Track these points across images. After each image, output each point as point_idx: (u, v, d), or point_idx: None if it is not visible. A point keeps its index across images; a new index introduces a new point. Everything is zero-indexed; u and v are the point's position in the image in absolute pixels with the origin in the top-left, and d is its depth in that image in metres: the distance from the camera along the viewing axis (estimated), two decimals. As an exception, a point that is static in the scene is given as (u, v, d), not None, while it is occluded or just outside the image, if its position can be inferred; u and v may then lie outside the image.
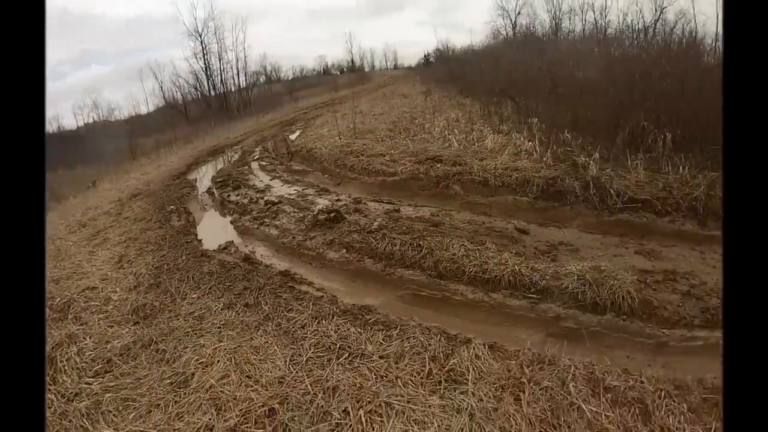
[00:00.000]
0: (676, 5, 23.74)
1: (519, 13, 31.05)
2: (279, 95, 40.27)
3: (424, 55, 44.57)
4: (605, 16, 27.27)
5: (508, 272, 4.77)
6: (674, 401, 3.32)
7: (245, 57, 39.03)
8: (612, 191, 7.03)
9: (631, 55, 12.88)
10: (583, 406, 3.09)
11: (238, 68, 38.90)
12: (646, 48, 15.46)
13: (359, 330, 3.87)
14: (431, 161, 8.12)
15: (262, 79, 43.41)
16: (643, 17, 24.86)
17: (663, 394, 3.36)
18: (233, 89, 39.52)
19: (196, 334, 3.99)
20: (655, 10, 24.97)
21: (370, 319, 4.07)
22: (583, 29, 26.59)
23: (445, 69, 23.70)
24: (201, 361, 3.55)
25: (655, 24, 23.95)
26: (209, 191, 9.75)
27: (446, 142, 9.37)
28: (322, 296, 4.66)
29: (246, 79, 40.00)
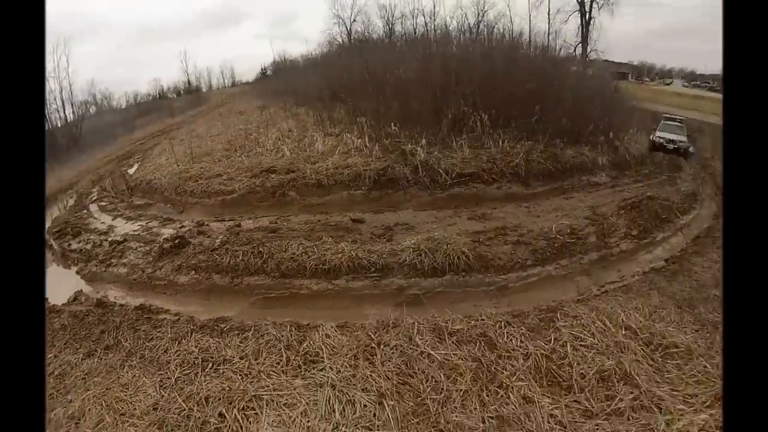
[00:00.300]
0: (495, 8, 27.28)
1: (354, 20, 32.33)
2: (113, 126, 36.34)
3: (261, 69, 43.73)
4: (434, 19, 29.69)
5: (346, 258, 5.26)
6: (513, 327, 4.14)
7: (70, 85, 34.20)
8: (441, 171, 7.96)
9: (449, 52, 14.35)
10: (432, 352, 3.68)
11: (62, 99, 33.96)
12: (469, 45, 17.34)
13: (217, 339, 4.12)
14: (266, 173, 8.58)
15: (92, 109, 38.59)
16: (467, 19, 27.73)
17: (503, 324, 4.17)
18: (59, 124, 34.45)
19: (60, 393, 3.80)
20: (478, 14, 28.01)
21: (225, 327, 4.36)
22: (415, 32, 28.70)
23: (281, 81, 23.76)
24: (72, 415, 3.45)
25: (478, 24, 26.80)
26: (47, 245, 8.81)
27: (279, 153, 9.85)
28: (179, 319, 4.79)
29: (73, 112, 35.21)
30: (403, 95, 11.12)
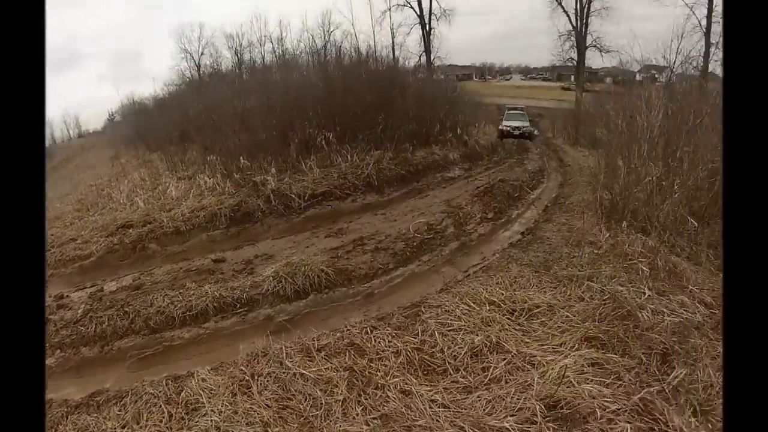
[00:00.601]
0: (341, 28, 28.23)
1: (202, 53, 31.30)
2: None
3: (109, 115, 40.37)
4: (282, 45, 29.84)
5: (211, 300, 5.57)
6: (380, 330, 4.41)
7: None
8: (294, 195, 8.51)
9: (291, 77, 14.94)
10: (304, 371, 3.84)
11: None
12: (312, 67, 18.13)
13: (95, 415, 4.01)
14: (123, 229, 8.38)
15: None
16: (314, 42, 28.45)
17: (369, 329, 4.43)
18: None
19: None
20: (323, 35, 28.84)
21: (101, 400, 4.26)
22: (263, 59, 28.74)
23: (131, 126, 22.61)
24: None
25: (326, 45, 27.68)
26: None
27: (134, 205, 9.65)
28: (51, 405, 4.55)
29: None
30: (250, 126, 11.51)
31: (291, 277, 5.78)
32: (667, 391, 3.17)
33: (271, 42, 30.62)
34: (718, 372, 3.27)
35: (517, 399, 3.27)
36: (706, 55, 20.71)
